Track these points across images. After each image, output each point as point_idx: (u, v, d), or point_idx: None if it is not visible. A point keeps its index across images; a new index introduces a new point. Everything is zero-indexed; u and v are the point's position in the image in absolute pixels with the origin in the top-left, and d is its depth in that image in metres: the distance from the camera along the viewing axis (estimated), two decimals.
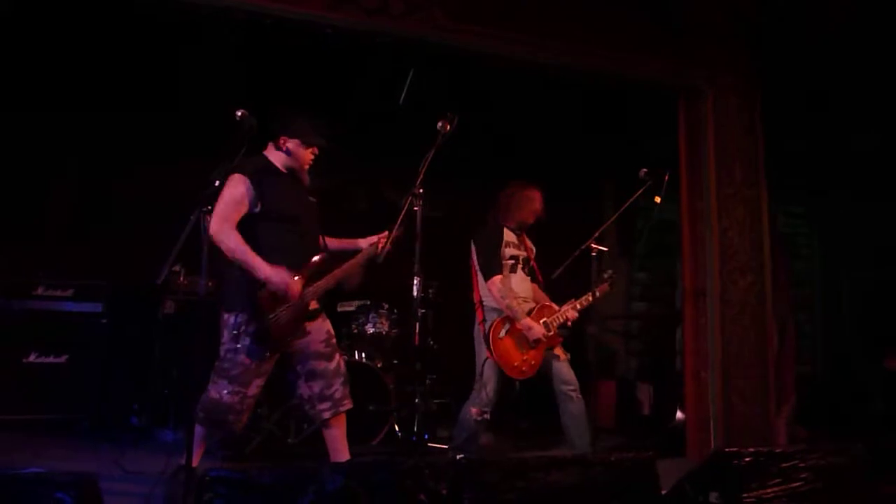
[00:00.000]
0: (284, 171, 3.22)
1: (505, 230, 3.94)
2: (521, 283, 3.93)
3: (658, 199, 3.70)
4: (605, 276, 3.91)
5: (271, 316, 3.00)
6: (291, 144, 3.19)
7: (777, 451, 2.63)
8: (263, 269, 2.97)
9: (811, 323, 5.93)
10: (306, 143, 3.20)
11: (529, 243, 4.05)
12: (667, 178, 3.72)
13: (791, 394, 4.53)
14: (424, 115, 3.34)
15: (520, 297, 3.87)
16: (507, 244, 3.92)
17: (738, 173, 4.49)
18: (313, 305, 3.14)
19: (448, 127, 3.04)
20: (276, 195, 3.11)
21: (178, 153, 5.02)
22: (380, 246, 3.19)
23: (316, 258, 3.15)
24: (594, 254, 3.71)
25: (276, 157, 3.22)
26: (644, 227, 6.23)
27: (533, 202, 3.94)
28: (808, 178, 5.35)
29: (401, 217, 3.00)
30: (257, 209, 3.06)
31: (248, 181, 3.05)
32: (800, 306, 5.38)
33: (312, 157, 3.25)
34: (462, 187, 5.36)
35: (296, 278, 3.01)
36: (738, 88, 4.57)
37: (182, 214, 2.66)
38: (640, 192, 3.74)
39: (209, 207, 2.66)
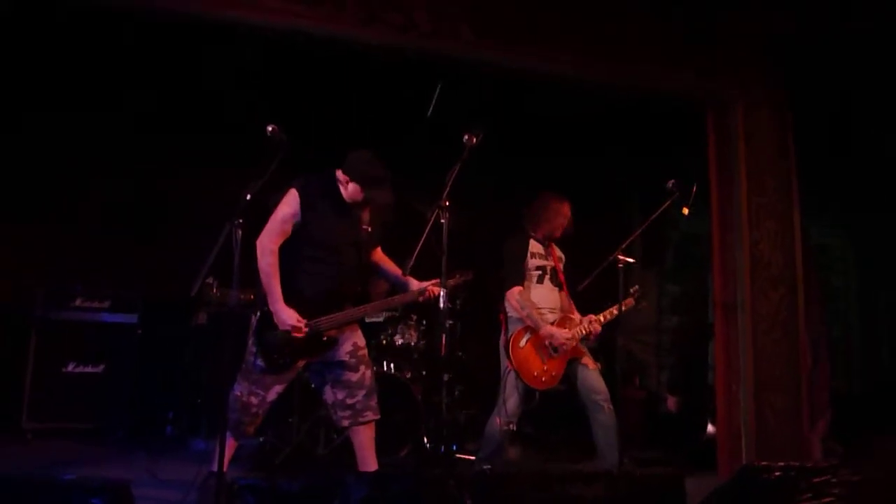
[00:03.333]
0: (344, 198, 3.23)
1: (531, 241, 3.96)
2: (548, 293, 3.94)
3: (686, 211, 3.67)
4: (631, 290, 3.89)
5: (271, 334, 3.06)
6: (352, 188, 3.20)
7: (807, 465, 2.58)
8: (276, 304, 3.04)
9: (847, 338, 5.80)
10: (366, 197, 3.21)
11: (558, 252, 4.05)
12: (694, 189, 3.69)
13: (826, 409, 4.44)
14: (452, 127, 3.38)
15: (544, 308, 3.87)
16: (533, 255, 3.94)
17: (769, 185, 4.44)
18: (329, 335, 3.17)
19: (474, 140, 3.06)
20: (322, 222, 3.15)
21: (213, 166, 5.13)
22: (428, 293, 3.26)
23: (345, 290, 3.20)
24: (621, 266, 3.69)
25: (341, 183, 3.23)
26: (673, 238, 6.18)
27: (561, 215, 3.95)
28: (842, 191, 5.25)
29: (427, 230, 3.02)
30: (300, 231, 3.13)
31: (298, 201, 3.11)
32: (834, 321, 5.26)
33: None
34: (490, 198, 5.37)
35: (298, 323, 3.04)
36: (770, 100, 4.52)
37: (216, 227, 2.72)
38: (667, 203, 3.71)
39: (241, 221, 2.72)
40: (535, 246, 3.96)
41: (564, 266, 4.05)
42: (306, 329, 3.07)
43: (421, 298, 3.31)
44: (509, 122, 4.89)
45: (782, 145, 4.50)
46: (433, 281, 3.30)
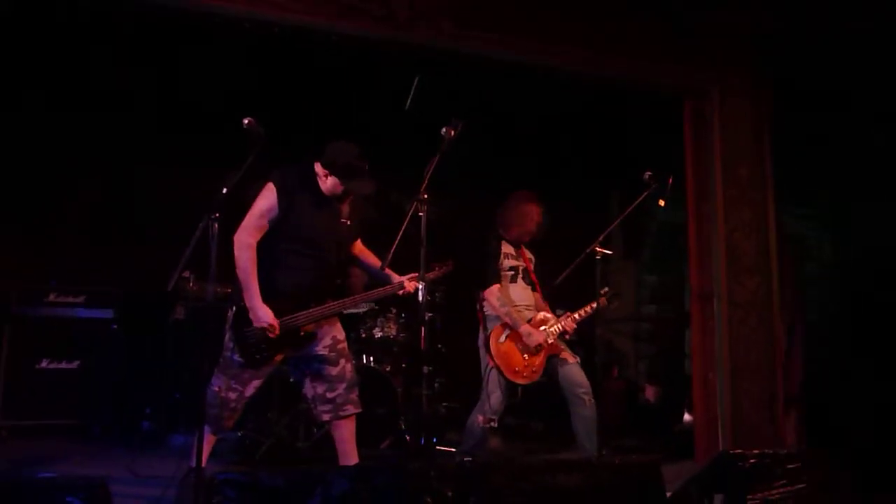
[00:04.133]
0: (323, 191, 3.20)
1: (503, 242, 3.99)
2: (522, 292, 3.99)
3: (662, 203, 3.71)
4: (602, 291, 3.92)
5: (247, 330, 3.04)
6: (331, 181, 3.17)
7: (782, 453, 2.64)
8: (253, 300, 3.02)
9: (821, 325, 5.90)
10: (346, 189, 3.19)
11: (528, 254, 4.08)
12: (671, 180, 3.72)
13: (800, 396, 4.52)
14: (430, 120, 3.37)
15: (521, 306, 3.92)
16: (507, 255, 3.99)
17: (744, 175, 4.50)
18: (307, 329, 3.16)
19: (452, 133, 3.05)
20: (301, 216, 3.12)
21: (189, 160, 5.08)
22: (407, 288, 3.28)
23: (324, 284, 3.19)
24: (599, 257, 3.72)
25: (320, 176, 3.20)
26: (651, 229, 6.24)
27: (530, 218, 3.94)
28: (819, 180, 5.32)
29: (405, 223, 3.02)
30: (277, 225, 3.10)
31: (276, 195, 3.08)
32: (810, 309, 5.34)
33: (353, 195, 3.26)
34: (469, 191, 5.38)
35: (274, 322, 3.02)
36: (745, 88, 4.58)
37: (192, 221, 2.70)
38: (644, 195, 3.75)
39: (218, 215, 2.70)
40: (506, 247, 4.01)
41: (535, 266, 4.07)
42: (279, 329, 3.05)
43: (400, 292, 3.31)
44: (488, 113, 4.88)
45: (757, 135, 4.57)
46: (412, 275, 3.29)
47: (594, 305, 3.87)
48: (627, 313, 6.54)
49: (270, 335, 3.04)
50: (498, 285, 3.89)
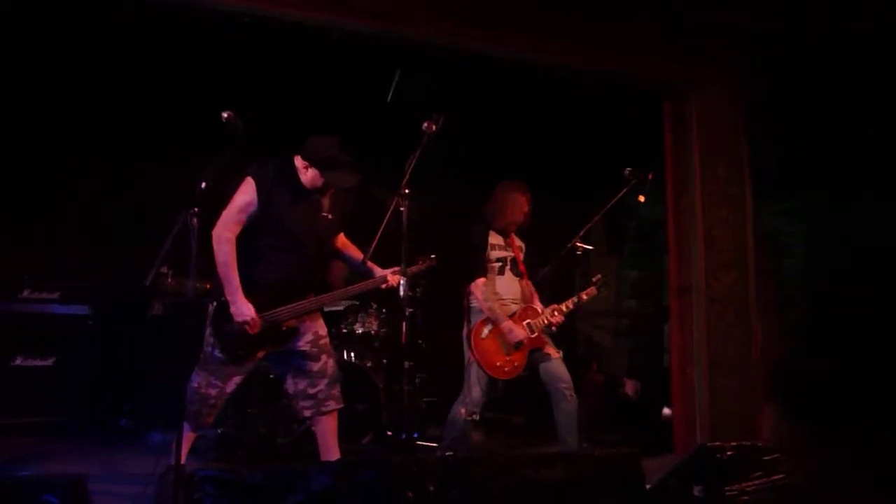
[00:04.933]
0: (303, 185, 3.18)
1: (491, 232, 3.98)
2: (509, 283, 3.97)
3: (642, 199, 3.75)
4: (594, 279, 3.95)
5: (227, 325, 3.02)
6: (312, 173, 3.15)
7: (759, 444, 2.68)
8: (234, 295, 3.00)
9: (796, 321, 5.99)
10: (327, 181, 3.16)
11: (518, 242, 4.08)
12: (651, 177, 3.76)
13: (777, 389, 4.59)
14: (412, 113, 3.37)
15: (507, 299, 3.92)
16: (494, 246, 3.97)
17: (721, 172, 4.54)
18: (289, 324, 3.15)
19: (434, 127, 3.06)
20: (281, 210, 3.10)
21: (168, 154, 5.01)
22: (390, 283, 3.28)
23: (307, 278, 3.18)
24: (579, 252, 3.75)
25: (300, 170, 3.18)
26: (631, 225, 6.28)
27: (519, 205, 3.95)
28: (797, 176, 5.40)
29: (386, 217, 3.02)
30: (257, 219, 3.08)
31: (254, 190, 3.05)
32: (786, 304, 5.43)
33: (334, 189, 3.24)
34: (450, 185, 5.39)
35: (255, 317, 3.01)
36: (723, 87, 4.61)
37: (170, 216, 2.68)
38: (624, 191, 3.78)
39: (197, 209, 2.68)
40: (494, 237, 3.99)
41: (525, 255, 4.08)
42: (261, 324, 3.04)
43: (383, 286, 3.31)
44: (470, 107, 4.89)
45: (735, 133, 4.61)
46: (395, 269, 3.29)
47: (583, 296, 3.88)
48: (608, 308, 6.59)
49: (251, 330, 3.02)
50: (484, 279, 3.88)
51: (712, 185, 4.51)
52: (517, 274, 4.02)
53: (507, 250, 4.00)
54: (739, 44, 4.65)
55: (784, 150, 5.15)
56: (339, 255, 3.48)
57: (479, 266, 3.90)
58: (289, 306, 3.12)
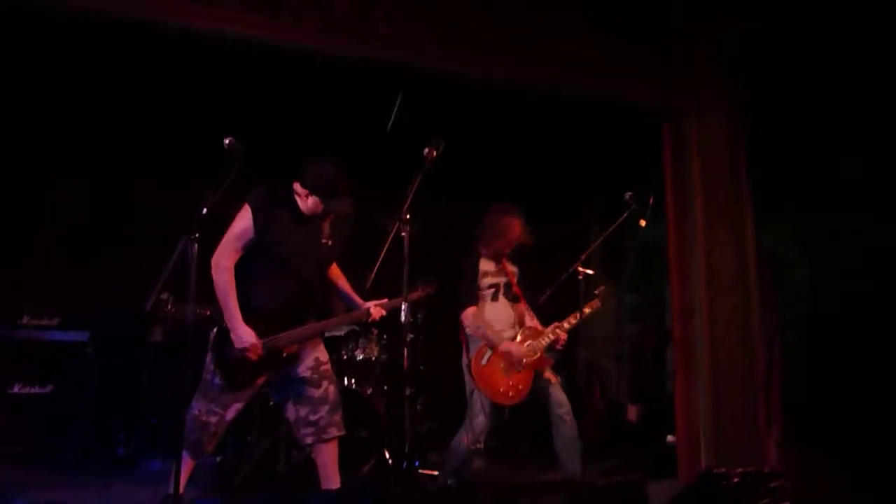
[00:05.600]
0: (303, 211, 3.17)
1: (481, 260, 3.96)
2: (502, 310, 3.94)
3: (643, 223, 3.74)
4: (596, 292, 3.92)
5: (228, 351, 3.01)
6: (312, 201, 3.14)
7: (766, 471, 2.65)
8: (234, 321, 2.99)
9: (799, 343, 5.96)
10: (326, 210, 3.17)
11: (510, 267, 4.05)
12: (651, 200, 3.76)
13: (780, 414, 4.55)
14: (412, 138, 3.39)
15: (500, 326, 3.89)
16: (485, 273, 3.95)
17: (722, 193, 4.56)
18: (289, 351, 3.14)
19: (434, 153, 3.07)
20: (279, 236, 3.09)
21: (168, 178, 5.04)
22: (373, 315, 3.33)
23: (304, 306, 3.18)
24: (581, 277, 3.73)
25: (299, 196, 3.17)
26: (632, 249, 6.27)
27: (511, 230, 3.92)
28: (799, 195, 5.41)
29: (387, 243, 3.02)
30: (255, 246, 3.08)
31: (251, 217, 3.05)
32: (790, 326, 5.41)
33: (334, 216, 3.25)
34: (450, 209, 5.40)
35: (256, 342, 3.00)
36: (723, 109, 4.64)
37: (171, 241, 2.68)
38: (625, 215, 3.78)
39: (197, 234, 2.68)
40: (485, 264, 3.96)
41: (522, 277, 4.05)
42: (262, 350, 3.02)
43: (368, 319, 3.34)
44: (470, 133, 4.92)
45: (735, 154, 4.63)
46: (380, 301, 3.33)
47: (586, 310, 3.84)
48: (609, 333, 6.56)
49: (253, 356, 3.00)
50: (474, 307, 3.86)
51: (713, 208, 4.52)
52: (512, 298, 3.99)
53: (499, 276, 3.98)
54: (740, 61, 4.68)
55: (784, 169, 5.16)
56: (330, 285, 3.47)
57: (469, 296, 3.88)
58: (289, 332, 3.11)
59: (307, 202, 3.15)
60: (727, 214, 4.58)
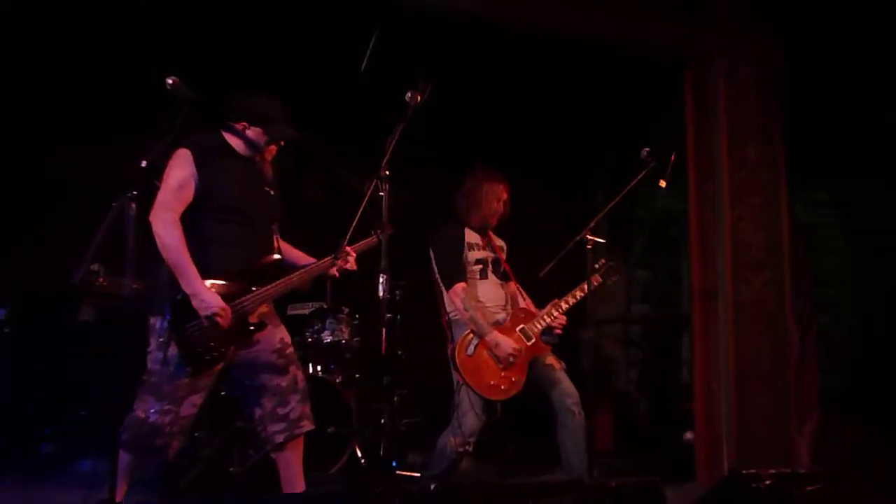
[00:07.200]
0: (241, 155, 3.16)
1: (466, 230, 3.92)
2: (493, 289, 3.92)
3: (663, 183, 3.71)
4: (597, 265, 3.88)
5: (189, 325, 2.95)
6: (252, 133, 3.13)
7: (801, 473, 2.67)
8: (194, 284, 2.92)
9: (837, 328, 6.03)
10: (271, 137, 3.15)
11: (497, 241, 4.03)
12: (673, 158, 3.73)
13: (815, 409, 4.61)
14: (390, 84, 3.33)
15: (491, 306, 3.86)
16: (471, 246, 3.90)
17: (752, 154, 4.55)
18: (255, 318, 3.10)
19: (419, 98, 3.01)
20: (225, 181, 3.06)
21: (100, 130, 4.95)
22: (341, 262, 3.24)
23: (267, 260, 3.13)
24: (589, 247, 3.70)
25: (233, 139, 3.15)
26: (647, 217, 6.28)
27: (494, 197, 3.89)
28: (836, 162, 5.43)
29: (362, 205, 2.97)
30: (201, 194, 3.02)
31: (192, 160, 3.00)
32: (824, 309, 5.46)
33: (276, 149, 3.22)
34: (435, 168, 5.36)
35: (224, 305, 2.94)
36: (756, 55, 4.63)
37: (103, 202, 2.62)
38: (641, 175, 3.75)
39: (135, 193, 2.62)
40: (470, 235, 3.92)
41: (508, 254, 4.03)
42: (231, 314, 2.98)
43: (337, 265, 3.25)
44: (461, 79, 4.86)
45: (769, 109, 4.63)
46: (343, 249, 3.23)
47: (588, 287, 3.79)
48: (616, 314, 6.60)
49: (224, 323, 2.94)
50: (463, 284, 3.80)
51: (742, 170, 4.52)
52: (502, 277, 3.96)
53: (486, 250, 3.94)
54: (771, 9, 4.66)
55: (822, 128, 5.16)
56: None
57: (457, 270, 3.83)
58: (253, 294, 3.06)
59: (248, 136, 3.14)
60: (758, 179, 4.59)
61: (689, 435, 4.77)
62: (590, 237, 3.68)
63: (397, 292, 4.90)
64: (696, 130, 4.67)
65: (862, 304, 5.50)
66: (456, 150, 5.34)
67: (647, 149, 3.74)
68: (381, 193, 3.00)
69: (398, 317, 4.88)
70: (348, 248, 3.27)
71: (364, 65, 5.12)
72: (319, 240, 3.45)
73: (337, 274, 3.30)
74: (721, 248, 4.49)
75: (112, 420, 2.90)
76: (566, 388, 3.76)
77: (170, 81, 2.73)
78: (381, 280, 3.04)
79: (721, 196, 4.51)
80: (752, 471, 2.62)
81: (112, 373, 4.09)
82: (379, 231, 3.33)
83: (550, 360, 3.84)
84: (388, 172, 3.01)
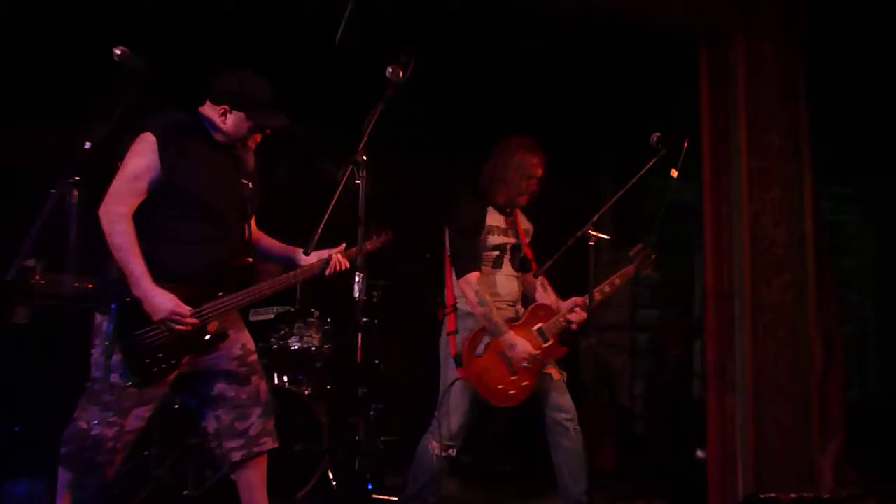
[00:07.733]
0: (218, 140, 3.14)
1: (490, 209, 3.86)
2: (505, 282, 3.87)
3: (675, 173, 3.71)
4: (631, 253, 3.88)
5: (139, 332, 2.93)
6: (234, 118, 3.10)
7: (824, 497, 2.68)
8: (143, 284, 2.91)
9: (863, 336, 6.09)
10: (255, 124, 3.13)
11: (524, 223, 3.98)
12: (686, 144, 3.73)
13: (840, 425, 4.64)
14: (368, 58, 3.32)
15: (500, 301, 3.81)
16: (492, 230, 3.83)
17: (774, 142, 4.57)
18: (213, 327, 3.08)
19: (401, 74, 3.00)
20: (192, 173, 3.03)
21: (42, 106, 4.92)
22: (334, 265, 3.26)
23: (236, 263, 3.14)
24: (592, 243, 3.69)
25: (210, 123, 3.12)
26: (657, 211, 6.29)
27: (529, 171, 3.81)
28: (862, 153, 5.47)
29: (337, 193, 2.96)
30: (162, 187, 2.99)
31: (155, 148, 2.97)
32: (849, 315, 5.50)
33: (261, 137, 3.21)
34: (416, 156, 5.36)
35: (180, 307, 2.93)
36: (778, 33, 4.64)
37: (41, 189, 2.58)
38: (651, 163, 3.74)
39: (78, 178, 2.59)
40: (493, 217, 3.86)
41: (532, 238, 3.99)
42: (191, 318, 2.96)
43: (327, 272, 3.26)
44: (446, 53, 4.86)
45: (792, 92, 4.64)
46: (338, 248, 3.27)
47: (617, 280, 3.80)
48: (621, 320, 6.62)
49: (179, 328, 2.93)
50: (478, 273, 3.74)
51: (762, 160, 4.53)
52: (519, 267, 3.91)
53: (507, 235, 3.89)
54: None
55: (846, 121, 5.20)
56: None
57: (473, 256, 3.77)
58: (216, 302, 3.05)
59: (226, 123, 3.11)
60: (780, 170, 4.60)
61: (700, 453, 4.80)
62: (592, 233, 3.66)
63: (375, 293, 4.92)
64: (711, 115, 4.68)
65: (886, 310, 5.56)
66: (442, 134, 5.35)
67: (658, 133, 3.73)
68: (358, 181, 2.99)
69: (375, 321, 4.89)
70: (340, 253, 3.29)
71: (339, 36, 5.10)
72: (291, 231, 3.46)
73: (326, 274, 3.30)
74: (738, 245, 4.52)
75: (49, 437, 2.87)
76: (560, 402, 3.75)
77: (118, 52, 2.70)
78: (356, 279, 3.02)
79: (739, 188, 4.53)
80: (771, 495, 2.62)
81: (49, 384, 4.07)
82: (375, 237, 3.38)
83: (550, 368, 3.82)
84: (365, 157, 3.00)
